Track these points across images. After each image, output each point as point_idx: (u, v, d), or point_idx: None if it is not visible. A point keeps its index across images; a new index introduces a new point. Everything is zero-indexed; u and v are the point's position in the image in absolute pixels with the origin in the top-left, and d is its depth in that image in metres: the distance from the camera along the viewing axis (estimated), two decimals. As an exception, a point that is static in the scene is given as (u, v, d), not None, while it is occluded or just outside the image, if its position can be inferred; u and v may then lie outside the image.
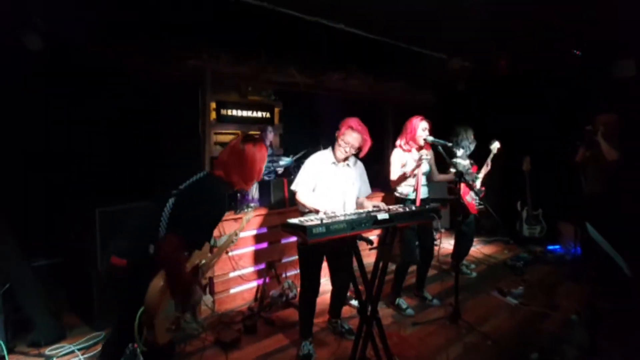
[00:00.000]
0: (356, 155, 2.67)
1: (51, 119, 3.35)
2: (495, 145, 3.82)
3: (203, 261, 1.82)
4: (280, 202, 3.65)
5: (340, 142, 2.51)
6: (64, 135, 3.41)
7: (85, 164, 3.48)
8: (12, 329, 2.63)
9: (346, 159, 2.60)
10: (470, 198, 3.85)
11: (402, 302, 3.33)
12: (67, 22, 3.01)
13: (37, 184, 3.25)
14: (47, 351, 2.62)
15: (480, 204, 3.90)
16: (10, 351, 2.53)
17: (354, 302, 3.31)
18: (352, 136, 2.47)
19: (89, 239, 2.82)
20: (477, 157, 4.04)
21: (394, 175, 3.11)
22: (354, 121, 2.49)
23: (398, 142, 3.22)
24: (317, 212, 2.37)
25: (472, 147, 3.99)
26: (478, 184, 3.90)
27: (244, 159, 1.71)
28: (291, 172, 4.23)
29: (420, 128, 3.12)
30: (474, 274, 4.15)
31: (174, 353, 1.93)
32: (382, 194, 4.64)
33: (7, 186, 2.95)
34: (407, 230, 3.16)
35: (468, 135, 3.95)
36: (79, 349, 2.63)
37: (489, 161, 3.86)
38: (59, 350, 2.62)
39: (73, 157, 3.43)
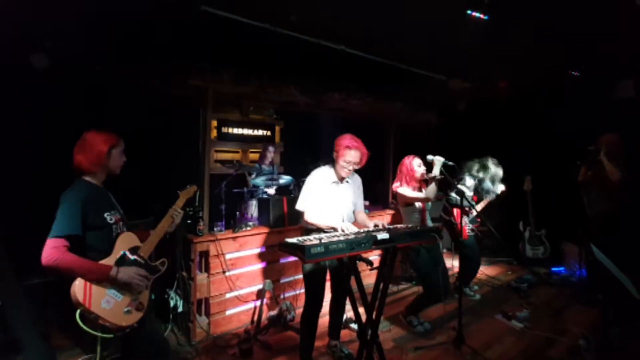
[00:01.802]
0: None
1: (50, 135, 3.35)
2: (500, 188, 3.89)
3: (135, 245, 1.95)
4: (280, 221, 3.59)
5: (341, 162, 2.53)
6: (61, 152, 3.40)
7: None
8: (1, 350, 2.54)
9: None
10: (463, 222, 3.81)
11: (414, 319, 3.27)
12: (73, 42, 3.07)
13: (31, 200, 3.22)
14: (35, 375, 2.51)
15: (472, 230, 3.90)
16: (-3, 374, 2.45)
17: (354, 326, 3.22)
18: (351, 154, 2.50)
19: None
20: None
21: (423, 194, 3.09)
22: (348, 140, 2.53)
23: (397, 184, 3.23)
24: (334, 229, 2.36)
25: (493, 190, 3.85)
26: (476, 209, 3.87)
27: (85, 144, 1.90)
28: (291, 190, 4.21)
29: (416, 165, 3.19)
30: (477, 296, 4.04)
31: (168, 349, 2.10)
32: (392, 212, 4.62)
33: (0, 203, 2.93)
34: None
35: (494, 176, 3.82)
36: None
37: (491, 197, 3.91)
38: (47, 374, 2.53)
39: (68, 174, 3.42)
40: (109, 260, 1.80)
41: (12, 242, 2.68)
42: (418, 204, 3.18)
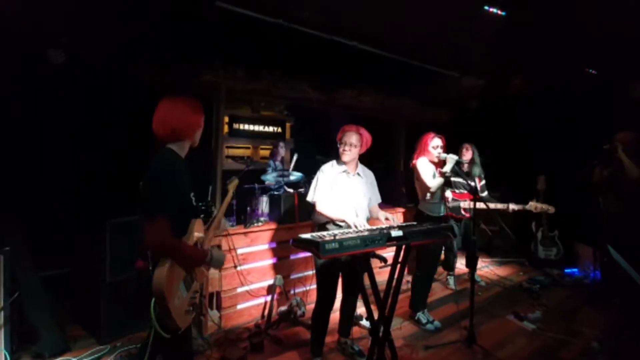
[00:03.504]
0: (363, 163, 2.74)
1: (65, 131, 3.41)
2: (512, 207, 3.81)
3: (201, 235, 1.77)
4: (290, 217, 3.60)
5: (340, 146, 2.57)
6: (77, 146, 3.46)
7: (98, 174, 3.51)
8: (17, 339, 2.60)
9: (355, 165, 2.64)
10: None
11: (422, 316, 3.27)
12: (87, 38, 3.10)
13: (49, 193, 3.28)
14: (51, 363, 2.57)
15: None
16: (15, 362, 2.50)
17: (365, 323, 3.22)
18: (347, 135, 2.55)
19: (98, 250, 2.82)
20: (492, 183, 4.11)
21: (430, 182, 3.05)
22: (346, 125, 2.62)
23: (415, 160, 3.21)
24: (345, 222, 2.38)
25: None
26: (463, 205, 3.94)
27: (178, 107, 1.70)
28: (301, 186, 4.21)
29: (431, 146, 3.13)
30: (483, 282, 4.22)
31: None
32: (403, 209, 4.62)
33: (20, 196, 2.99)
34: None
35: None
36: (83, 363, 2.58)
37: (497, 206, 3.81)
38: (63, 363, 2.58)
39: (86, 168, 3.47)
40: None
41: (30, 233, 2.74)
42: (437, 183, 3.08)
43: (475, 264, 4.31)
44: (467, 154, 4.13)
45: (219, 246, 3.16)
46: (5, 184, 2.91)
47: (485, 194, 4.10)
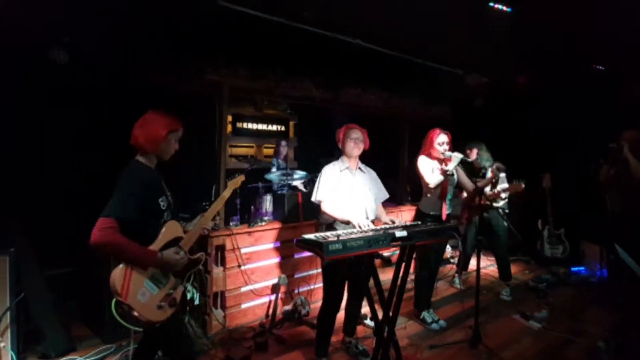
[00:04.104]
0: (364, 162, 2.76)
1: (69, 130, 3.41)
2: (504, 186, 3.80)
3: (179, 235, 1.87)
4: (294, 216, 3.59)
5: (346, 142, 2.61)
6: (81, 146, 3.47)
7: (101, 174, 3.52)
8: (23, 339, 2.61)
9: (356, 162, 2.67)
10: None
11: (428, 315, 3.26)
12: (89, 40, 3.10)
13: (51, 193, 3.29)
14: (57, 363, 2.58)
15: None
16: (21, 362, 2.52)
17: (368, 322, 3.21)
18: (353, 131, 2.61)
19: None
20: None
21: (429, 179, 3.02)
22: (345, 125, 2.68)
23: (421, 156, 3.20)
24: (349, 223, 2.37)
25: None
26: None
27: (146, 122, 1.81)
28: (305, 185, 4.20)
29: (436, 142, 3.08)
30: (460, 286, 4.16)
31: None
32: (407, 208, 4.58)
33: (22, 196, 3.00)
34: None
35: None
36: (88, 362, 2.59)
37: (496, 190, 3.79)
38: (69, 362, 2.59)
39: (89, 168, 3.48)
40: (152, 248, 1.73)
41: (33, 233, 2.75)
42: (436, 180, 3.04)
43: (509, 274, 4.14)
44: (472, 154, 4.06)
45: (223, 246, 3.16)
46: (7, 185, 2.92)
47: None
